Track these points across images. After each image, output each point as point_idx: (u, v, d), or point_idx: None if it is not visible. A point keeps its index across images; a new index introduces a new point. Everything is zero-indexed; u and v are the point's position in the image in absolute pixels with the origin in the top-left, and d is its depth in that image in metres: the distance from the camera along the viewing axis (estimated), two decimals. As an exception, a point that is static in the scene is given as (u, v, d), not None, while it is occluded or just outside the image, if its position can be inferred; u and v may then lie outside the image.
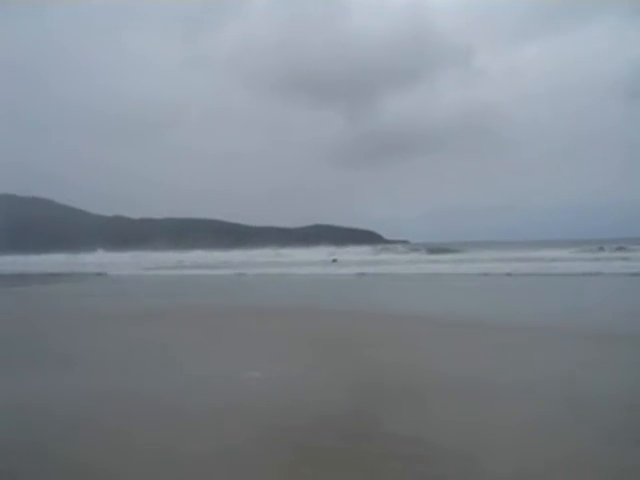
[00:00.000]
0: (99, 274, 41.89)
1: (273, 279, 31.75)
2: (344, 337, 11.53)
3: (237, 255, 62.76)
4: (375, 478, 4.49)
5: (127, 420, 6.14)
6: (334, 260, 46.05)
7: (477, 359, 9.03)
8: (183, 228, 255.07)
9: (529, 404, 6.43)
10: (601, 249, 44.98)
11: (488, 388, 7.19)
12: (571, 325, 12.08)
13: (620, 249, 43.86)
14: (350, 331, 12.26)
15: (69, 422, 6.14)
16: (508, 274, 28.30)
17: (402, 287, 25.27)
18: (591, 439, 5.26)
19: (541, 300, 17.91)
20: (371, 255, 51.71)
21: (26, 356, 9.98)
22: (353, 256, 49.07)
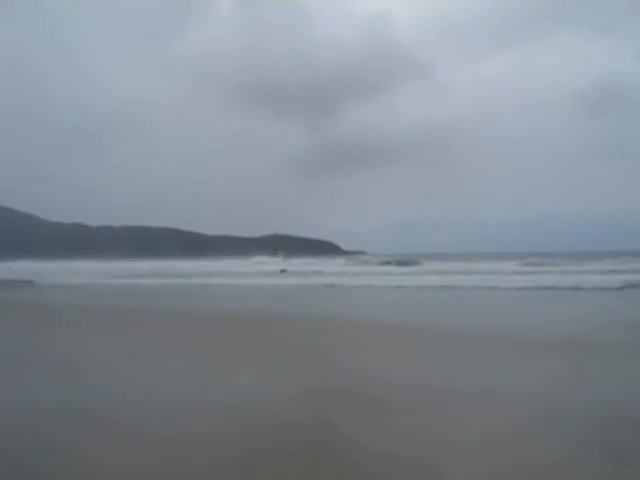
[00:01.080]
0: (28, 282, 40.31)
1: (215, 289, 30.37)
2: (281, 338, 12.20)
3: (187, 265, 60.41)
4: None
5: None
6: (282, 270, 45.11)
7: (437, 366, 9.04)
8: (141, 236, 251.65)
9: (491, 411, 6.39)
10: (540, 263, 44.39)
11: (448, 395, 7.10)
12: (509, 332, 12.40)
13: (554, 264, 43.43)
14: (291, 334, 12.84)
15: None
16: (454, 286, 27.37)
17: (343, 296, 24.71)
18: (555, 446, 5.20)
19: (507, 312, 17.95)
20: (340, 266, 49.86)
21: None
22: (309, 267, 47.52)
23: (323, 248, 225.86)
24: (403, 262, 52.47)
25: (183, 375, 8.51)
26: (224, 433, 5.69)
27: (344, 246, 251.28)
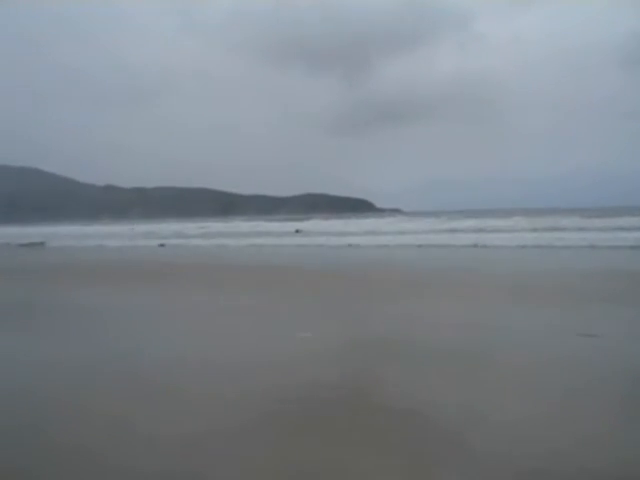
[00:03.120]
0: (40, 243, 40.19)
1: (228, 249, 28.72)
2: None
3: (217, 225, 58.84)
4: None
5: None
6: (297, 231, 43.23)
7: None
8: (174, 197, 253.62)
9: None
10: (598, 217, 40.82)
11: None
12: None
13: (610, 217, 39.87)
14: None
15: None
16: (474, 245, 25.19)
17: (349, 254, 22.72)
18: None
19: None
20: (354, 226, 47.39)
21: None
22: (326, 227, 45.18)
23: (358, 206, 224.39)
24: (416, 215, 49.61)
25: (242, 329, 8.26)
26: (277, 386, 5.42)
27: (378, 204, 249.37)
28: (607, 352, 6.42)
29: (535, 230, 32.80)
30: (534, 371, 5.68)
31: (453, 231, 35.60)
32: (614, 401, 4.85)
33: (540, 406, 4.67)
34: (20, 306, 11.02)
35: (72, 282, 15.09)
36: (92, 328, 8.67)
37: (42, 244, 39.53)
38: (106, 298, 11.68)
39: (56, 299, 11.85)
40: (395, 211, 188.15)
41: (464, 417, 4.47)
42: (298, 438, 4.15)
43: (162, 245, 33.16)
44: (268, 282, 14.08)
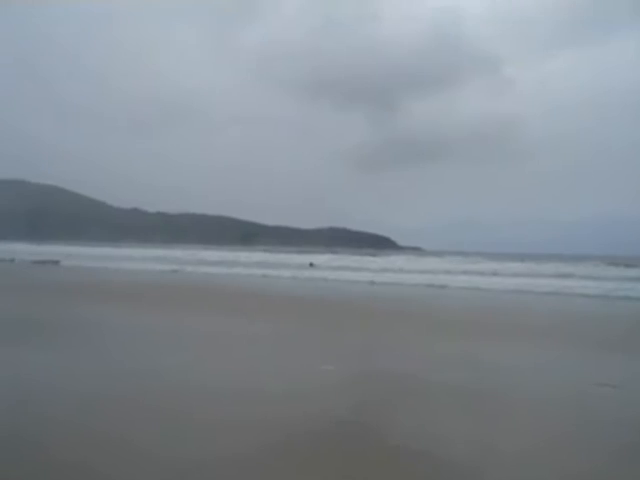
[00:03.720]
0: (55, 262, 40.77)
1: (234, 279, 28.41)
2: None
3: (229, 254, 58.74)
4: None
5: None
6: (311, 264, 42.85)
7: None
8: (196, 224, 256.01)
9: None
10: (611, 264, 39.83)
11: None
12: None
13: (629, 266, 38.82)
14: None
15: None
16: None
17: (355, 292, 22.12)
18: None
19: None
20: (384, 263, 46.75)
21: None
22: (342, 262, 44.74)
23: (379, 243, 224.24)
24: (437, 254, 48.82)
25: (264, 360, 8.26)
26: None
27: (400, 242, 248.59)
28: (621, 402, 6.40)
29: (548, 276, 32.24)
30: (549, 419, 5.60)
31: (466, 272, 35.11)
32: (624, 451, 4.80)
33: (553, 452, 4.63)
34: (17, 321, 11.07)
35: (74, 299, 15.24)
36: (94, 345, 8.81)
37: (56, 262, 39.95)
38: (113, 317, 11.90)
39: (54, 315, 12.01)
40: (416, 249, 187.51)
41: (477, 462, 4.40)
42: (303, 473, 4.13)
43: (175, 271, 33.14)
44: (263, 310, 14.24)
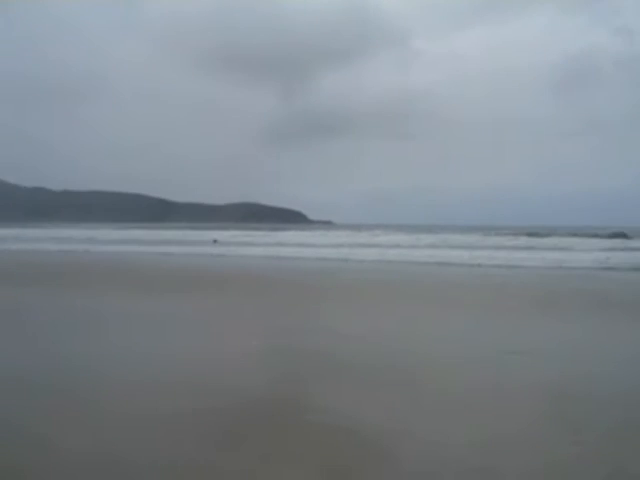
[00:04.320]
0: None
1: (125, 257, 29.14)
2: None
3: (135, 233, 58.82)
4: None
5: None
6: (215, 241, 44.27)
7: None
8: (108, 202, 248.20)
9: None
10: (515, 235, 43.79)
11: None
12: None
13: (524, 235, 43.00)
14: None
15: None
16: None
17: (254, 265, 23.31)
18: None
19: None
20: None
21: None
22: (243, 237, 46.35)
23: (291, 217, 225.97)
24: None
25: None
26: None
27: (312, 216, 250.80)
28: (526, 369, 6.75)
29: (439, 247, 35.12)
30: (462, 388, 5.89)
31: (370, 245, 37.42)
32: (532, 416, 5.02)
33: (465, 424, 4.80)
34: None
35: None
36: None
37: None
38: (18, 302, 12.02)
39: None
40: (327, 223, 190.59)
41: (392, 434, 4.58)
42: (218, 450, 4.23)
43: (87, 251, 33.44)
44: (167, 289, 14.94)
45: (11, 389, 5.80)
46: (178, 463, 3.95)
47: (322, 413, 5.02)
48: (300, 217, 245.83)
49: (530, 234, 44.31)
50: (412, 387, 5.96)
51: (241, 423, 4.79)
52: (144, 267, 23.46)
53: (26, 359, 7.13)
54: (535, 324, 9.98)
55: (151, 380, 6.16)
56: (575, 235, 42.60)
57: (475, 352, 7.63)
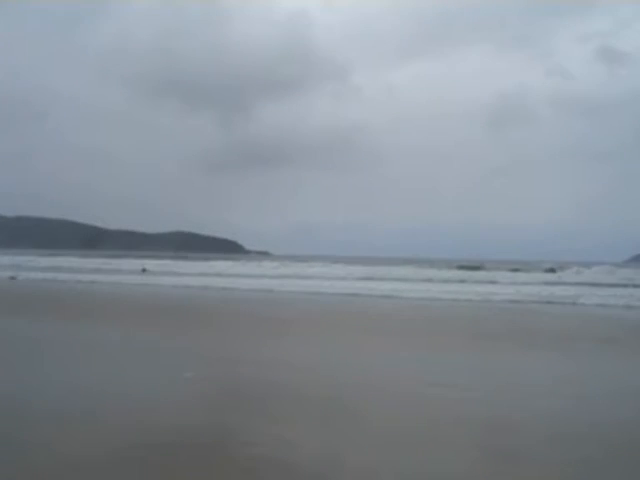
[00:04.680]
0: None
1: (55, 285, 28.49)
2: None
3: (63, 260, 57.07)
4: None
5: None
6: (144, 269, 43.69)
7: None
8: (34, 227, 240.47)
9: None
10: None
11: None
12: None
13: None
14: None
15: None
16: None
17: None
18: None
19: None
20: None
21: None
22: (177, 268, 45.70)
23: (226, 247, 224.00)
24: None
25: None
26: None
27: (248, 246, 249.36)
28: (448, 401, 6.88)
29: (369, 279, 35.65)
30: (389, 418, 6.07)
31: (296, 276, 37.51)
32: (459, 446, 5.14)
33: (392, 452, 4.90)
34: None
35: None
36: None
37: None
38: None
39: None
40: (263, 253, 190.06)
41: (325, 463, 4.66)
42: None
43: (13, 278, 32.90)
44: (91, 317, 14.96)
45: None
46: None
47: (249, 445, 5.00)
48: (236, 247, 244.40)
49: (461, 267, 45.51)
50: (338, 417, 6.04)
51: (171, 457, 4.69)
52: (66, 295, 23.16)
53: None
54: (462, 357, 10.19)
55: (73, 415, 5.99)
56: (514, 269, 43.54)
57: (401, 384, 7.87)
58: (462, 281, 33.92)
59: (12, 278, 32.89)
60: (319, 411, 6.28)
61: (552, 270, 44.06)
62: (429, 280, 34.78)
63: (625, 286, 28.80)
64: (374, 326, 14.70)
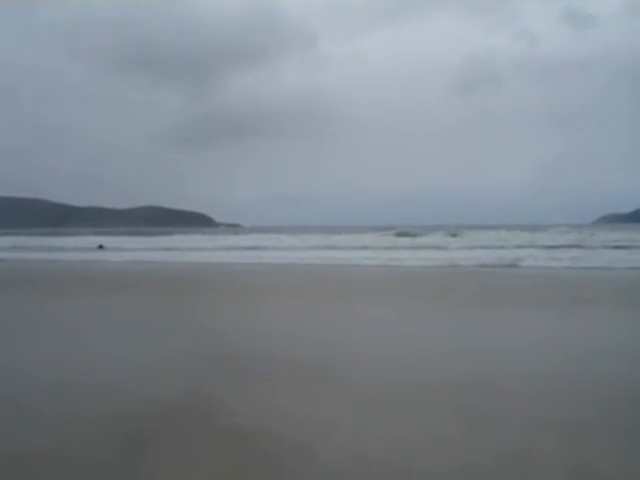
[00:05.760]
0: None
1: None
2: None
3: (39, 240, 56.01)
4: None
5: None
6: (100, 246, 43.22)
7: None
8: (3, 207, 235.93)
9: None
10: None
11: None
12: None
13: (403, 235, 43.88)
14: None
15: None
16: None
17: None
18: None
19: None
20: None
21: None
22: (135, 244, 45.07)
23: (195, 219, 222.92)
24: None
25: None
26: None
27: (218, 218, 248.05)
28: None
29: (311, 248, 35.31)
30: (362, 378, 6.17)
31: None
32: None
33: (378, 418, 4.89)
34: None
35: None
36: None
37: None
38: None
39: None
40: (234, 226, 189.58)
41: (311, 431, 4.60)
42: (133, 458, 4.14)
43: None
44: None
45: None
46: (89, 465, 3.97)
47: (235, 416, 4.96)
48: (206, 220, 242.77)
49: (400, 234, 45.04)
50: (323, 384, 6.02)
51: (152, 428, 4.68)
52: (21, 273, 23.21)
53: None
54: (435, 320, 10.48)
55: (60, 383, 6.16)
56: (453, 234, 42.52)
57: (383, 349, 7.81)
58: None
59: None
60: (304, 378, 6.25)
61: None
62: (392, 247, 34.70)
63: (570, 247, 29.28)
64: (345, 293, 14.82)
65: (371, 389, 5.78)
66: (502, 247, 30.86)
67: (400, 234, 44.61)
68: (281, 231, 61.32)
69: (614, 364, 6.88)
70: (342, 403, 5.31)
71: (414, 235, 43.43)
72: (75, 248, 41.07)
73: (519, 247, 30.37)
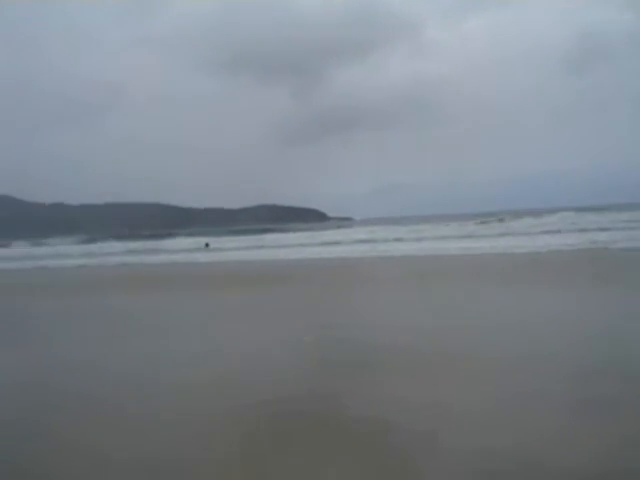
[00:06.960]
0: None
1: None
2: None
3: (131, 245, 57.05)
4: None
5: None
6: (207, 244, 42.90)
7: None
8: (126, 213, 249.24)
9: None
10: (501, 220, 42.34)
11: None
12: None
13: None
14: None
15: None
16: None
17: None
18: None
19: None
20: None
21: None
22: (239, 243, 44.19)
23: (309, 215, 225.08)
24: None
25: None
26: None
27: (331, 213, 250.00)
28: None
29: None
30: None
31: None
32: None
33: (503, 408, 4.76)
34: None
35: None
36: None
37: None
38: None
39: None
40: (346, 219, 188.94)
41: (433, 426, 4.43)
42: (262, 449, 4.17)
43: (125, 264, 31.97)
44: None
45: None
46: (210, 462, 3.96)
47: (363, 408, 4.92)
48: (319, 215, 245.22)
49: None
50: (449, 373, 5.84)
51: (284, 421, 4.72)
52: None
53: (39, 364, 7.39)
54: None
55: (184, 381, 6.17)
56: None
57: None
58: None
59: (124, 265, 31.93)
60: (431, 369, 6.10)
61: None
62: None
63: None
64: (464, 283, 13.86)
65: (499, 377, 5.63)
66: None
67: (500, 220, 43.97)
68: (393, 222, 59.66)
69: None
70: (470, 391, 5.19)
71: (502, 220, 42.78)
72: (187, 249, 41.15)
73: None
